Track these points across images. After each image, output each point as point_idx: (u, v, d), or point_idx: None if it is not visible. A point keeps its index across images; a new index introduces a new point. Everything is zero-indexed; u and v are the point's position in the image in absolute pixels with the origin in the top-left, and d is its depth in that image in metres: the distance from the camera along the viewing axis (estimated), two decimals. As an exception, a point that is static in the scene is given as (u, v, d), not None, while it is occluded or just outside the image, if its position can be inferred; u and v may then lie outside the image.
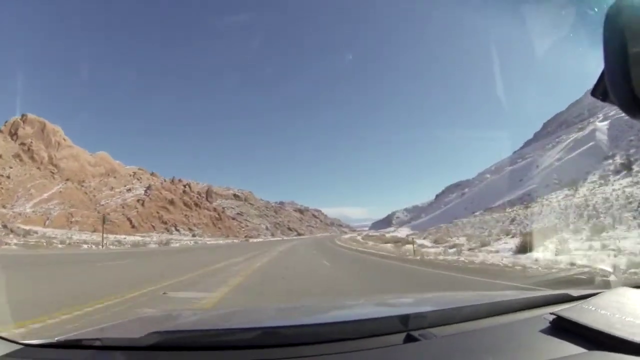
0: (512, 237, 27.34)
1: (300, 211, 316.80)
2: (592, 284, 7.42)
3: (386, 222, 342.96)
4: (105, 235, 74.11)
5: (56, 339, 1.44)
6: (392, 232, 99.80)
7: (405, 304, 2.62)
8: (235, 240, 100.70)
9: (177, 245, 57.78)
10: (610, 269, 9.49)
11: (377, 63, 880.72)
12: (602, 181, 54.78)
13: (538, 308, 1.73)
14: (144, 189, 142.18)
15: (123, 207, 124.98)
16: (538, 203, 53.66)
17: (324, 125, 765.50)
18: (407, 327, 1.44)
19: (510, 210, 58.08)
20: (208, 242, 69.23)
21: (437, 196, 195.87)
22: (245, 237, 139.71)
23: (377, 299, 3.62)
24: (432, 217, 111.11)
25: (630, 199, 32.36)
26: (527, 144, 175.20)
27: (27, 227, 68.06)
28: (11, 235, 48.96)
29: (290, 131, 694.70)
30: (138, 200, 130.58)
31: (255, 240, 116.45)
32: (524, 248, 17.85)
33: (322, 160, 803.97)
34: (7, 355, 1.35)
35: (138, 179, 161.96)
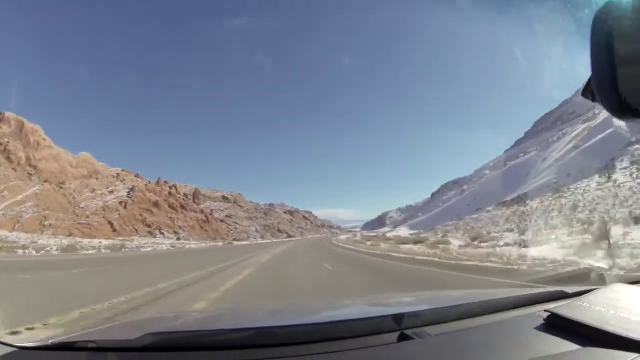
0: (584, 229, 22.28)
1: (290, 213, 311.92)
2: (587, 280, 7.31)
3: (378, 222, 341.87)
4: (80, 239, 67.47)
5: (50, 341, 1.43)
6: (390, 232, 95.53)
7: (399, 303, 2.63)
8: (219, 243, 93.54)
9: (148, 249, 49.96)
10: (605, 265, 9.64)
11: (367, 65, 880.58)
12: (638, 166, 51.42)
13: (532, 305, 1.72)
14: (127, 190, 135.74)
15: (104, 210, 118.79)
16: (569, 192, 49.45)
17: (314, 127, 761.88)
18: (401, 325, 1.44)
19: (535, 202, 54.14)
20: (188, 246, 62.75)
21: (433, 194, 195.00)
22: (234, 239, 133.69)
23: (371, 298, 3.73)
24: (431, 215, 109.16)
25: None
26: (519, 142, 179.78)
27: (-9, 231, 61.72)
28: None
29: (280, 133, 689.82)
30: (120, 203, 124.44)
31: (242, 242, 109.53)
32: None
33: (312, 161, 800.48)
34: (1, 357, 1.35)
35: (121, 181, 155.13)
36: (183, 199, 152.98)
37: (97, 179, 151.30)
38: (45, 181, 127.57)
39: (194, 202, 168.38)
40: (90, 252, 39.38)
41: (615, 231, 15.63)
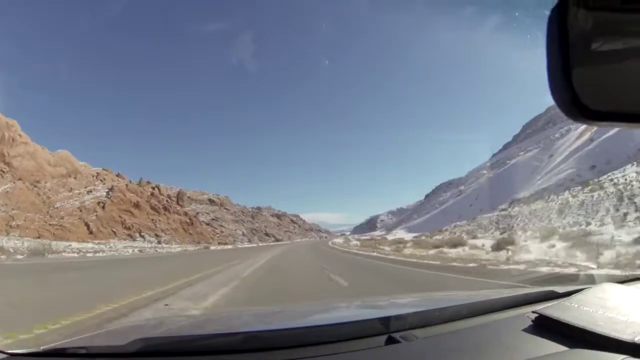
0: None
1: (278, 216, 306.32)
2: (577, 280, 7.72)
3: (369, 226, 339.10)
4: (48, 242, 60.88)
5: (42, 348, 1.44)
6: (388, 236, 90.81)
7: (387, 305, 2.64)
8: (197, 247, 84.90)
9: (103, 255, 39.61)
10: (594, 265, 10.00)
11: (354, 67, 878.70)
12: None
13: (521, 307, 1.72)
14: (107, 190, 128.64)
15: (80, 211, 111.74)
16: (606, 183, 45.35)
17: (302, 132, 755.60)
18: (389, 329, 1.44)
19: (564, 195, 50.11)
20: (163, 250, 56.04)
21: (427, 196, 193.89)
22: (219, 243, 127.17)
23: (360, 301, 3.66)
24: (429, 217, 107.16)
25: None
26: (507, 145, 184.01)
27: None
28: None
29: (267, 137, 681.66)
30: (98, 203, 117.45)
31: (225, 247, 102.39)
32: None
33: (299, 166, 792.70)
34: None
35: (101, 180, 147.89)
36: (166, 201, 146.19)
37: (75, 178, 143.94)
38: (19, 179, 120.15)
39: (178, 204, 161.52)
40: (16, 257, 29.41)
41: None
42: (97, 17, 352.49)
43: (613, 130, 72.27)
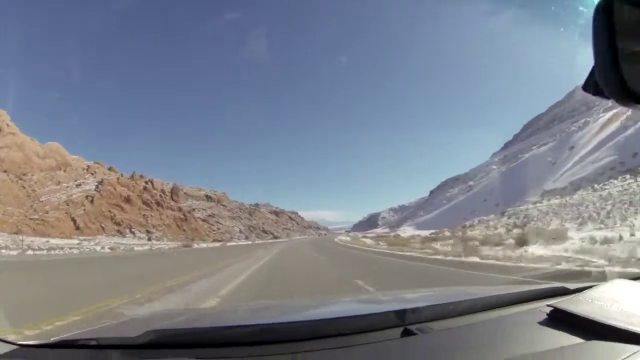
0: None
1: (276, 213, 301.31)
2: (589, 276, 7.56)
3: (369, 223, 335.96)
4: (31, 238, 55.62)
5: (52, 339, 1.44)
6: (390, 233, 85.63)
7: (402, 299, 2.64)
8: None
9: (75, 252, 35.76)
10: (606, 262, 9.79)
11: (353, 66, 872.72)
12: None
13: (535, 301, 1.74)
14: (97, 184, 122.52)
15: (67, 205, 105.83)
16: None
17: (302, 129, 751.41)
18: (404, 321, 1.45)
19: (615, 185, 45.48)
20: (137, 249, 49.53)
21: (431, 192, 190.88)
22: (214, 240, 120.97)
23: (374, 295, 3.76)
24: (438, 213, 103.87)
25: None
26: (508, 144, 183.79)
27: None
28: None
29: (267, 134, 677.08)
30: (87, 197, 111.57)
31: (214, 244, 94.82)
32: None
33: (298, 163, 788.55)
34: (3, 355, 1.36)
35: (92, 174, 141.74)
36: (160, 196, 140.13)
37: (64, 171, 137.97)
38: (5, 171, 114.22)
39: (172, 199, 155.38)
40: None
41: None
42: (96, 12, 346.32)
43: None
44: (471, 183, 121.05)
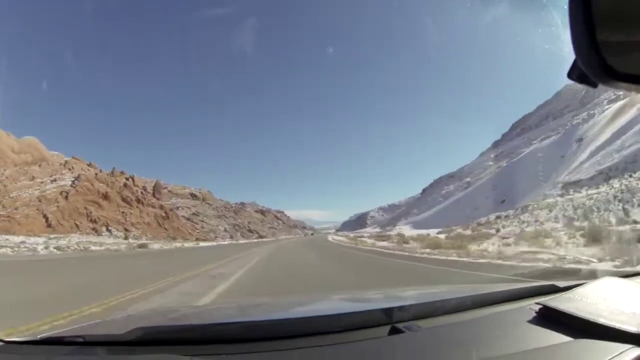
0: None
1: (262, 212, 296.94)
2: (578, 274, 7.63)
3: (358, 222, 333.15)
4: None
5: (39, 336, 1.43)
6: (387, 232, 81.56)
7: (390, 297, 2.65)
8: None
9: None
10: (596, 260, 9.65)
11: (341, 64, 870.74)
12: None
13: (524, 299, 1.74)
14: (73, 179, 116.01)
15: (39, 201, 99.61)
16: None
17: (289, 130, 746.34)
18: (392, 319, 1.45)
19: None
20: (94, 248, 43.64)
21: (424, 190, 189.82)
22: (197, 239, 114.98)
23: (363, 292, 3.69)
24: (437, 210, 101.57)
25: None
26: (496, 144, 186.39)
27: None
28: None
29: (254, 132, 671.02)
30: (61, 193, 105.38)
31: (182, 245, 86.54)
32: None
33: (284, 162, 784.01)
34: None
35: (69, 169, 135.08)
36: (141, 193, 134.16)
37: (40, 166, 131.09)
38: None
39: (154, 196, 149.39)
40: None
41: None
42: (79, 5, 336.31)
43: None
44: (468, 180, 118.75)
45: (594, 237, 18.21)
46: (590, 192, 48.63)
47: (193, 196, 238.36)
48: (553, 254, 14.97)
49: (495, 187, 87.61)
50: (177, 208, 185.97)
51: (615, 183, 47.66)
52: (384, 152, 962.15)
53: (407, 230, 77.45)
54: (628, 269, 7.84)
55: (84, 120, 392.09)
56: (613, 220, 28.68)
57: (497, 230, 40.13)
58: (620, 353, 1.09)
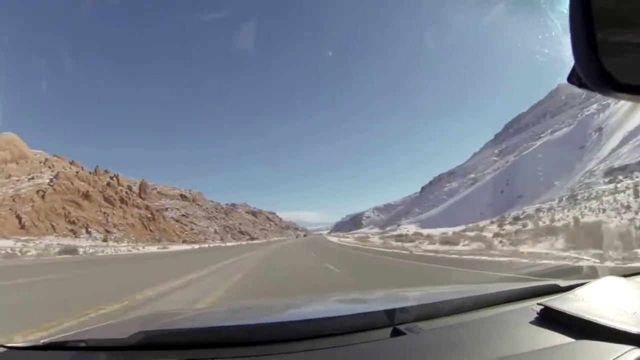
0: None
1: (254, 213, 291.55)
2: (580, 273, 7.36)
3: (353, 223, 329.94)
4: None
5: (41, 341, 1.44)
6: (391, 232, 76.68)
7: (391, 298, 2.65)
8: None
9: None
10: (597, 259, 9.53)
11: (334, 63, 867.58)
12: None
13: (526, 299, 1.74)
14: (51, 178, 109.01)
15: (13, 200, 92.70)
16: None
17: (281, 128, 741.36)
18: (394, 321, 1.45)
19: None
20: (48, 249, 37.36)
21: (423, 188, 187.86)
22: (183, 241, 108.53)
23: (364, 294, 3.64)
24: (444, 208, 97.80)
25: None
26: (488, 144, 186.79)
27: None
28: None
29: (245, 134, 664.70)
30: (38, 192, 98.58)
31: (148, 250, 77.74)
32: None
33: (277, 163, 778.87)
34: None
35: (49, 167, 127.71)
36: (125, 193, 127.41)
37: (17, 163, 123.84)
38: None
39: (140, 196, 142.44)
40: None
41: None
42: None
43: None
44: (472, 176, 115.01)
45: None
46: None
47: (183, 197, 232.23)
48: None
49: (507, 181, 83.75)
50: (166, 209, 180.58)
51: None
52: (376, 153, 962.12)
53: (413, 229, 72.87)
54: (629, 266, 7.85)
55: (70, 120, 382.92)
56: None
57: (535, 226, 34.38)
58: (623, 354, 1.09)
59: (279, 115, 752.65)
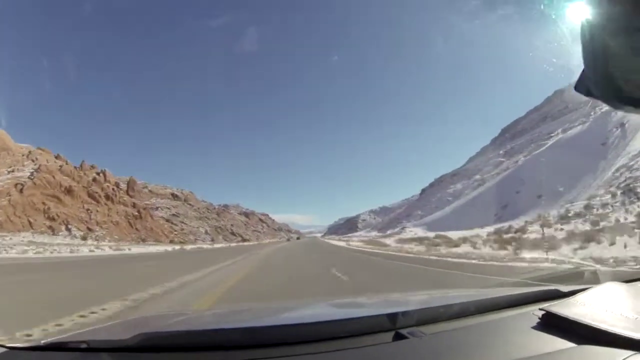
0: None
1: (246, 215, 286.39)
2: (581, 279, 5.88)
3: (348, 226, 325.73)
4: None
5: (42, 342, 1.43)
6: (396, 235, 71.83)
7: (393, 302, 2.67)
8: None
9: None
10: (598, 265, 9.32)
11: (328, 66, 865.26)
12: None
13: (527, 305, 1.74)
14: (32, 171, 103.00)
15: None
16: None
17: (275, 131, 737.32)
18: (396, 325, 1.45)
19: None
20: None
21: (423, 190, 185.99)
22: (170, 241, 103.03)
23: (366, 297, 3.63)
24: (450, 210, 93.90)
25: None
26: (484, 149, 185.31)
27: None
28: None
29: (240, 134, 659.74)
30: (16, 185, 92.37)
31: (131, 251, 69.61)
32: None
33: (270, 165, 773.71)
34: None
35: (32, 160, 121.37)
36: (112, 189, 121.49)
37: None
38: None
39: (127, 194, 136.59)
40: None
41: None
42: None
43: None
44: (478, 177, 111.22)
45: None
46: None
47: (174, 196, 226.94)
48: None
49: (522, 181, 79.94)
50: (156, 208, 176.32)
51: None
52: (369, 156, 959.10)
53: (421, 233, 68.68)
54: (630, 271, 7.75)
55: (66, 119, 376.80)
56: None
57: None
58: None
59: (276, 118, 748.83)
